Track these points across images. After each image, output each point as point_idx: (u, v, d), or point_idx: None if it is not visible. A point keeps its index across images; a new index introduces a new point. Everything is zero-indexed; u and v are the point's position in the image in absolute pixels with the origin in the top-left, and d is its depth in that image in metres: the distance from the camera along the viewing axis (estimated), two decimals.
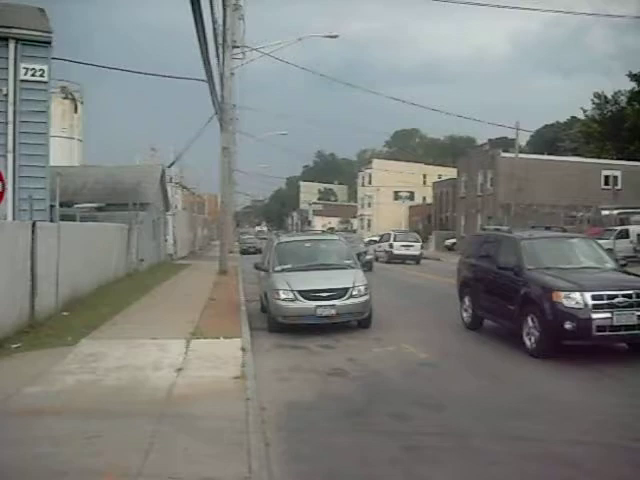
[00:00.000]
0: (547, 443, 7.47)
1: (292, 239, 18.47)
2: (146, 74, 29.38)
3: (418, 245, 45.19)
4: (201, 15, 16.60)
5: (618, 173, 54.46)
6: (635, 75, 71.88)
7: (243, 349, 11.73)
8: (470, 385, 10.28)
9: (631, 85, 73.45)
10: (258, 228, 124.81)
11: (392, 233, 45.43)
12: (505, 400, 9.34)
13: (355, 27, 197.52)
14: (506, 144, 65.23)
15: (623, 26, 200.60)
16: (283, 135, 71.89)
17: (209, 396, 8.72)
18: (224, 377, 9.73)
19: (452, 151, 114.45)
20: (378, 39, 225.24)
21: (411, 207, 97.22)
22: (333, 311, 14.52)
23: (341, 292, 14.72)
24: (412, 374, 10.95)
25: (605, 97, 78.71)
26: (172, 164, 44.10)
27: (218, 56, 29.59)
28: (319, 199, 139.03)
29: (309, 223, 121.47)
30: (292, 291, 14.64)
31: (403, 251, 43.91)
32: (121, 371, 10.03)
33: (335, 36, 35.45)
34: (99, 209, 28.40)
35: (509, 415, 8.58)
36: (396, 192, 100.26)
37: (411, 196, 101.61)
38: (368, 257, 32.79)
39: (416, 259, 43.56)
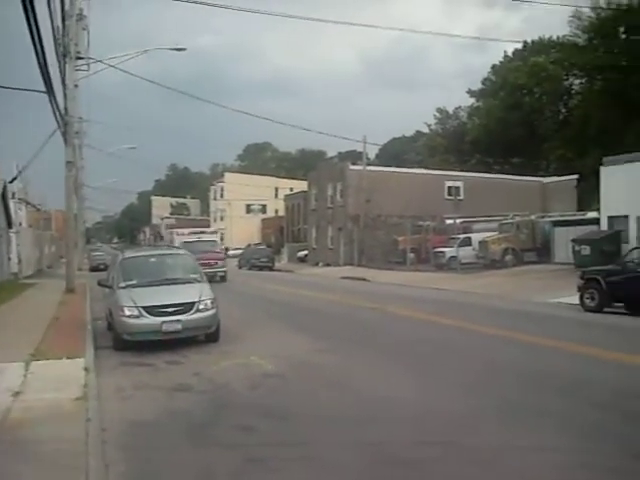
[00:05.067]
0: (392, 446, 7.63)
1: (137, 254, 18.10)
2: None
3: None
4: (37, 23, 15.89)
5: (460, 184, 56.81)
6: (474, 92, 76.04)
7: (86, 369, 11.39)
8: (317, 395, 10.41)
9: (470, 101, 77.68)
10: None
11: None
12: (351, 407, 9.49)
13: (204, 40, 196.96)
14: (355, 157, 67.15)
15: (464, 45, 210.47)
16: (133, 149, 70.55)
17: (48, 419, 8.41)
18: (64, 399, 9.41)
19: (303, 164, 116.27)
20: (227, 52, 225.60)
21: (263, 220, 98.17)
22: (179, 326, 14.36)
23: (187, 307, 14.58)
24: (259, 386, 10.97)
25: (447, 112, 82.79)
26: (14, 179, 42.31)
27: (60, 67, 28.63)
28: (172, 213, 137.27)
29: (162, 238, 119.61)
30: (137, 307, 14.35)
31: None
32: None
33: (183, 49, 35.14)
34: None
35: (355, 422, 8.71)
36: (248, 205, 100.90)
37: (263, 209, 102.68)
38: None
39: None
